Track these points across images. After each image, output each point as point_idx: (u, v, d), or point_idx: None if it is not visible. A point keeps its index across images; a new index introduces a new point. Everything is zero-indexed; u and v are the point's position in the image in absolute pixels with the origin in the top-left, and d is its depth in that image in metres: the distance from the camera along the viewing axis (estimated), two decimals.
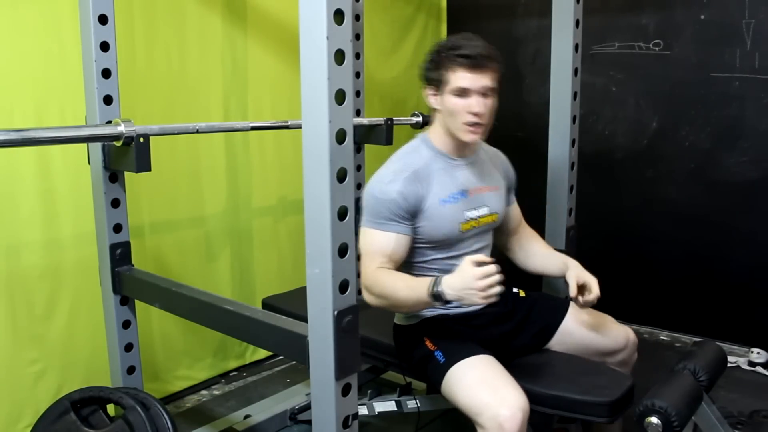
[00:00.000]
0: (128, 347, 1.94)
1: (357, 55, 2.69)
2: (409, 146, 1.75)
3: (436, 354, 1.65)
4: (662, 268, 3.20)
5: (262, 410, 2.38)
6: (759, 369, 2.83)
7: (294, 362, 2.72)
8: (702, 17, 2.93)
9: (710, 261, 3.07)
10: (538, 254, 1.92)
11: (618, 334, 1.82)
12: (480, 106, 1.61)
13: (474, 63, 1.59)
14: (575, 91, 2.17)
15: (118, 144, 1.69)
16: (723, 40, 2.88)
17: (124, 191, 1.87)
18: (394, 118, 2.61)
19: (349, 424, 1.34)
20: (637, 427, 1.46)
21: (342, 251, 1.27)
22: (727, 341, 2.94)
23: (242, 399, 2.63)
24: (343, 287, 1.28)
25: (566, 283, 1.78)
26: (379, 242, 1.62)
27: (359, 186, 2.73)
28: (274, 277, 2.94)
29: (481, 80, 1.60)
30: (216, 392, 2.72)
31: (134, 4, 2.33)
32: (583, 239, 2.27)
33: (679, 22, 3.00)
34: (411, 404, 1.99)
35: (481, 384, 1.53)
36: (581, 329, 1.80)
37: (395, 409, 2.04)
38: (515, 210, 1.94)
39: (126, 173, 1.85)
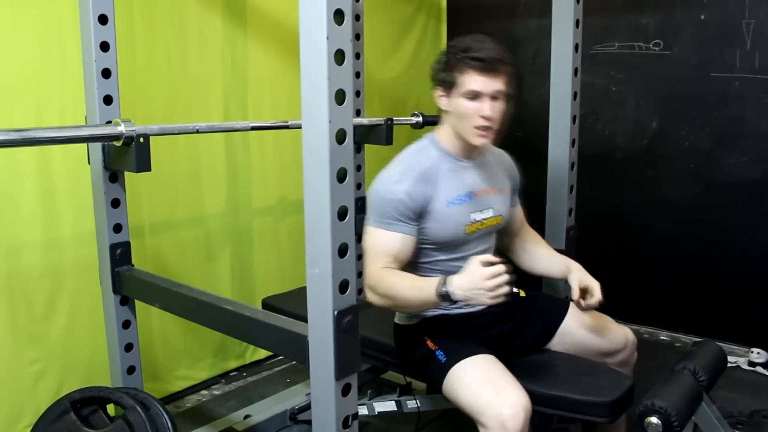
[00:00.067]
0: (128, 347, 1.94)
1: (357, 55, 2.69)
2: (416, 146, 1.74)
3: (437, 353, 1.65)
4: (662, 268, 3.20)
5: (262, 410, 2.38)
6: (759, 369, 2.83)
7: (294, 362, 2.72)
8: (702, 17, 2.93)
9: (710, 261, 3.07)
10: (541, 256, 1.91)
11: (617, 334, 1.82)
12: (491, 110, 1.59)
13: (486, 66, 1.57)
14: (575, 91, 2.17)
15: (118, 144, 1.69)
16: (723, 40, 2.88)
17: (124, 191, 1.87)
18: (394, 118, 2.61)
19: (349, 424, 1.34)
20: (637, 427, 1.46)
21: (342, 251, 1.27)
22: (727, 341, 2.94)
23: (242, 399, 2.63)
24: (343, 287, 1.28)
25: (568, 286, 1.78)
26: (385, 242, 1.61)
27: (359, 186, 2.73)
28: (274, 277, 2.94)
29: (493, 84, 1.59)
30: (216, 392, 2.72)
31: (134, 4, 2.33)
32: (583, 239, 2.27)
33: (679, 22, 3.00)
34: (411, 404, 1.99)
35: (483, 383, 1.53)
36: (581, 329, 1.80)
37: (395, 409, 2.04)
38: (519, 212, 1.94)
39: (126, 173, 1.85)
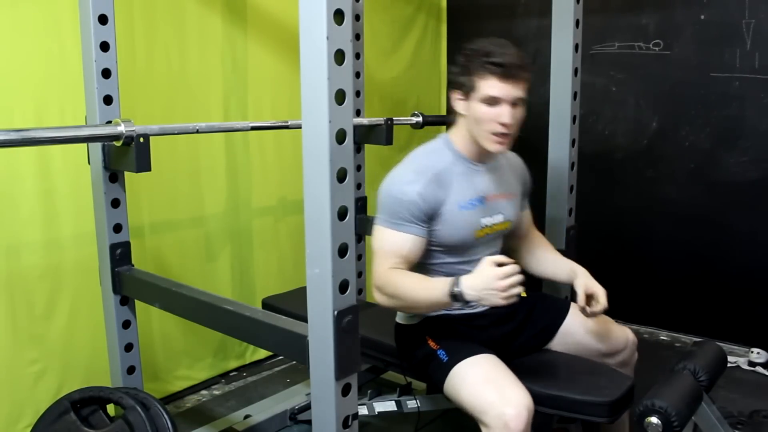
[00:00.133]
0: (128, 347, 1.94)
1: (357, 55, 2.69)
2: (430, 146, 1.72)
3: (438, 353, 1.65)
4: (662, 268, 3.20)
5: (262, 410, 2.38)
6: (759, 369, 2.83)
7: (294, 362, 2.72)
8: (702, 17, 2.93)
9: (710, 261, 3.07)
10: (547, 260, 1.90)
11: (618, 335, 1.82)
12: (509, 116, 1.58)
13: (506, 72, 1.55)
14: (575, 91, 2.17)
15: (118, 144, 1.69)
16: (723, 40, 2.88)
17: (124, 191, 1.87)
18: (394, 118, 2.61)
19: (349, 424, 1.34)
20: (637, 427, 1.46)
21: (342, 251, 1.27)
22: (727, 341, 2.94)
23: (242, 399, 2.63)
24: (343, 287, 1.28)
25: (573, 291, 1.77)
26: (394, 242, 1.59)
27: (359, 186, 2.73)
28: (274, 277, 2.94)
29: (513, 90, 1.57)
30: (216, 392, 2.72)
31: (134, 4, 2.33)
32: (583, 239, 2.27)
33: (679, 22, 3.00)
34: (411, 404, 1.99)
35: (486, 383, 1.52)
36: (582, 330, 1.80)
37: (395, 409, 2.04)
38: (527, 215, 1.93)
39: (126, 173, 1.85)
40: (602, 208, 3.27)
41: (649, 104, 3.15)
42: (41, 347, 2.20)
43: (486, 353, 1.61)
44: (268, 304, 2.36)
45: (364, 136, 2.65)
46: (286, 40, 2.82)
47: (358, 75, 2.69)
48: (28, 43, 2.07)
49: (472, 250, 1.70)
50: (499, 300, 1.44)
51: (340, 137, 1.23)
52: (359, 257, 2.79)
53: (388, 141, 2.59)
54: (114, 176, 1.84)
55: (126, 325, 1.93)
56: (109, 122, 1.74)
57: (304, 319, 1.35)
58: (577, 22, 2.13)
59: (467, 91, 1.61)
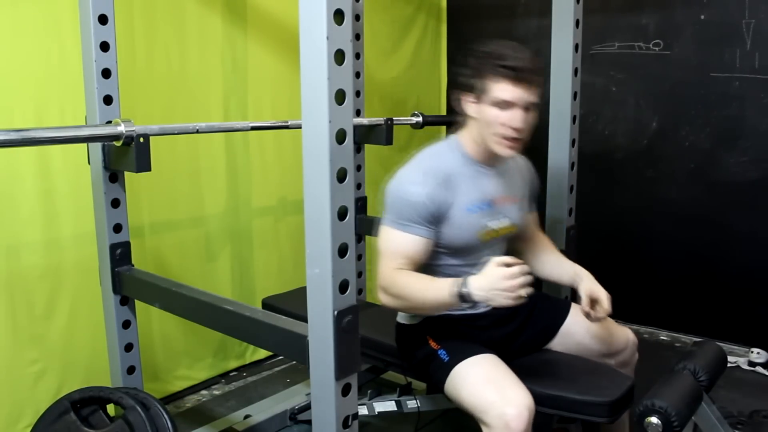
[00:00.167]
0: (128, 347, 1.94)
1: (357, 55, 2.69)
2: (438, 147, 1.70)
3: (439, 353, 1.64)
4: (662, 268, 3.20)
5: (262, 410, 2.38)
6: (759, 369, 2.83)
7: (294, 362, 2.72)
8: (702, 17, 2.93)
9: (710, 261, 3.07)
10: (551, 262, 1.88)
11: (619, 335, 1.82)
12: (520, 120, 1.56)
13: (519, 76, 1.53)
14: (575, 91, 2.17)
15: (118, 144, 1.69)
16: (723, 40, 2.88)
17: (124, 191, 1.87)
18: (394, 118, 2.61)
19: (349, 424, 1.34)
20: (637, 427, 1.46)
21: (342, 251, 1.27)
22: (727, 341, 2.94)
23: (242, 399, 2.63)
24: (343, 287, 1.28)
25: (573, 291, 1.76)
26: (400, 243, 1.58)
27: (359, 186, 2.73)
28: (274, 277, 2.94)
29: (525, 94, 1.55)
30: (216, 392, 2.72)
31: (134, 4, 2.33)
32: (583, 239, 2.27)
33: (679, 22, 3.00)
34: (411, 404, 1.99)
35: (487, 383, 1.52)
36: (582, 331, 1.80)
37: (395, 409, 2.04)
38: (532, 217, 1.92)
39: (126, 173, 1.85)
40: (602, 208, 3.27)
41: (649, 104, 3.15)
42: (41, 347, 2.20)
43: (487, 353, 1.61)
44: (268, 304, 2.36)
45: (364, 136, 2.65)
46: (286, 40, 2.82)
47: (358, 75, 2.69)
48: (28, 43, 2.07)
49: (475, 253, 1.69)
50: (506, 300, 1.43)
51: (340, 137, 1.23)
52: (359, 257, 2.79)
53: (388, 141, 2.59)
54: (114, 176, 1.84)
55: (126, 325, 1.93)
56: (109, 122, 1.74)
57: (304, 319, 1.35)
58: (577, 22, 2.13)
59: (478, 93, 1.59)
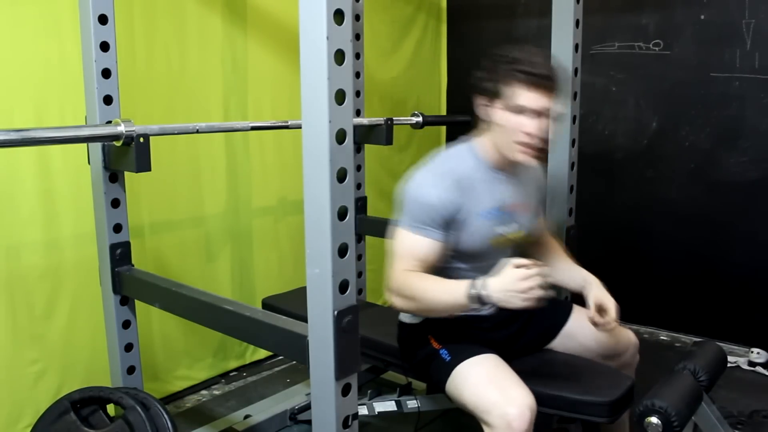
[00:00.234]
0: (128, 347, 1.94)
1: (357, 55, 2.69)
2: (453, 150, 1.69)
3: (441, 352, 1.64)
4: (662, 268, 3.20)
5: (262, 410, 2.38)
6: (759, 369, 2.83)
7: (294, 362, 2.72)
8: (702, 17, 2.93)
9: (710, 261, 3.07)
10: (560, 268, 1.87)
11: (620, 337, 1.81)
12: (536, 127, 1.54)
13: (537, 82, 1.51)
14: (575, 91, 2.17)
15: (118, 144, 1.69)
16: (723, 40, 2.88)
17: (124, 191, 1.87)
18: (394, 118, 2.61)
19: (349, 424, 1.34)
20: (637, 427, 1.46)
21: (342, 251, 1.27)
22: (727, 341, 2.94)
23: (242, 399, 2.63)
24: (343, 287, 1.28)
25: (574, 294, 1.76)
26: (413, 245, 1.57)
27: (359, 186, 2.73)
28: (274, 277, 2.94)
29: (542, 101, 1.52)
30: (216, 392, 2.72)
31: (134, 4, 2.33)
32: (583, 239, 2.27)
33: (679, 22, 3.00)
34: (411, 404, 1.99)
35: (489, 383, 1.52)
36: (584, 332, 1.79)
37: (395, 409, 2.04)
38: (541, 221, 1.91)
39: (126, 173, 1.85)
40: (602, 208, 3.27)
41: (649, 104, 3.15)
42: (41, 347, 2.20)
43: (488, 353, 1.61)
44: (268, 304, 2.36)
45: (364, 136, 2.65)
46: (286, 40, 2.82)
47: (358, 75, 2.69)
48: (28, 43, 2.07)
49: (484, 258, 1.67)
50: (520, 302, 1.42)
51: (340, 137, 1.22)
52: (359, 257, 2.79)
53: (388, 141, 2.59)
54: (114, 176, 1.84)
55: (126, 325, 1.93)
56: (109, 122, 1.74)
57: (304, 319, 1.35)
58: (577, 22, 2.13)
59: (498, 98, 1.56)
